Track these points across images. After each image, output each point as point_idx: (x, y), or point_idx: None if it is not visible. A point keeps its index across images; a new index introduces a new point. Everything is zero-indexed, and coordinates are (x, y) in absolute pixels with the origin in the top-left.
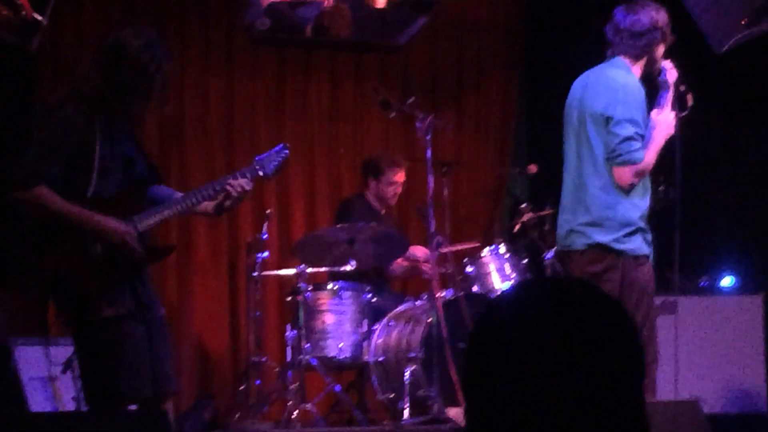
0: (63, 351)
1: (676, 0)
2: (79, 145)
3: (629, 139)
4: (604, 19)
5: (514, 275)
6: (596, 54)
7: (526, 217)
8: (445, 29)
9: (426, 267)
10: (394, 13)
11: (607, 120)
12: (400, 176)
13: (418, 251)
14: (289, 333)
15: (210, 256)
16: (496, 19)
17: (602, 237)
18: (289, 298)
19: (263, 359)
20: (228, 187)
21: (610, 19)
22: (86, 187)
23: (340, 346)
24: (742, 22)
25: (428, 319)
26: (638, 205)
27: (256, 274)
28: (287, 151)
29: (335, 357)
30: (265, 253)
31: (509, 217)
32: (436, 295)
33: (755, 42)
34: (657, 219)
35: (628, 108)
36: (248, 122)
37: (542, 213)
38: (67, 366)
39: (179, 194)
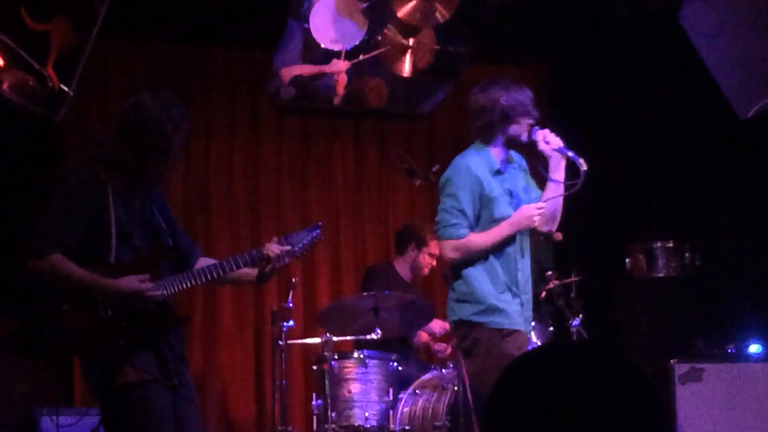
0: (89, 421)
1: (701, 65)
2: (93, 212)
3: (444, 211)
4: (629, 87)
5: (540, 343)
6: (621, 120)
7: (551, 285)
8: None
9: (438, 347)
10: (419, 81)
11: None
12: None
13: (436, 326)
14: (315, 402)
15: (235, 325)
16: None
17: (464, 312)
18: (314, 367)
19: (289, 429)
20: (266, 252)
21: None
22: (107, 254)
23: (366, 415)
24: None
25: (454, 387)
26: (496, 281)
27: (281, 343)
28: (319, 232)
29: (361, 426)
30: (291, 322)
31: (535, 285)
32: (462, 363)
33: None
34: (684, 286)
35: (452, 184)
36: (273, 190)
37: (568, 280)
38: None
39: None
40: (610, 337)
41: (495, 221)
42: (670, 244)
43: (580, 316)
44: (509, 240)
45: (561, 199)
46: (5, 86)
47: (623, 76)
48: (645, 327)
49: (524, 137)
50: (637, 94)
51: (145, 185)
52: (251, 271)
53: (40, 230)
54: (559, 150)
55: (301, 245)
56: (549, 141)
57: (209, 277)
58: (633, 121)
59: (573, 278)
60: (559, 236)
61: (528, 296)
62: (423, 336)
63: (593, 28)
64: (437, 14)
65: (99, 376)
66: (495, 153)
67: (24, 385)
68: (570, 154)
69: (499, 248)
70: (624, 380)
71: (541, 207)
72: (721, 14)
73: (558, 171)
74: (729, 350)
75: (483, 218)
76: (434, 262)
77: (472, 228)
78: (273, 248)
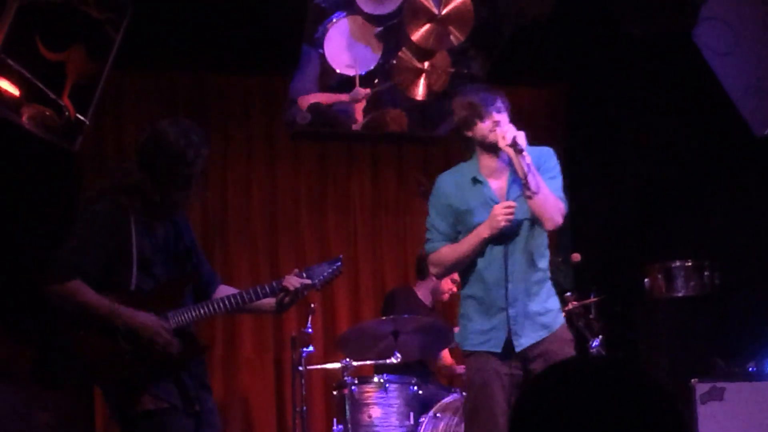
0: None
1: (716, 84)
2: (115, 239)
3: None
4: (644, 107)
5: None
6: (637, 140)
7: (570, 306)
8: None
9: (461, 370)
10: (434, 104)
11: None
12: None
13: (447, 357)
14: (336, 428)
15: (255, 350)
16: (537, 108)
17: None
18: (335, 392)
19: None
20: (285, 284)
21: None
22: (128, 281)
23: None
24: None
25: None
26: (469, 300)
27: (301, 368)
28: (340, 264)
29: None
30: (310, 348)
31: None
32: None
33: None
34: (703, 305)
35: (429, 203)
36: (291, 216)
37: (587, 301)
38: None
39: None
40: (630, 357)
41: (471, 231)
42: (689, 263)
43: (600, 336)
44: (489, 253)
45: (539, 195)
46: (23, 116)
47: (638, 96)
48: (665, 346)
49: (490, 138)
50: (652, 114)
51: (167, 212)
52: (270, 301)
53: (61, 256)
54: (511, 145)
55: (321, 278)
56: (505, 137)
57: (229, 306)
58: (649, 141)
59: (592, 299)
60: (577, 257)
61: (516, 309)
62: (446, 357)
63: (608, 48)
64: (451, 37)
65: (118, 403)
66: (483, 161)
67: (44, 414)
68: (520, 148)
69: (476, 262)
70: (644, 397)
71: (508, 206)
72: (735, 32)
73: (519, 168)
74: (750, 369)
75: (462, 230)
76: (455, 288)
77: (451, 241)
78: (293, 281)
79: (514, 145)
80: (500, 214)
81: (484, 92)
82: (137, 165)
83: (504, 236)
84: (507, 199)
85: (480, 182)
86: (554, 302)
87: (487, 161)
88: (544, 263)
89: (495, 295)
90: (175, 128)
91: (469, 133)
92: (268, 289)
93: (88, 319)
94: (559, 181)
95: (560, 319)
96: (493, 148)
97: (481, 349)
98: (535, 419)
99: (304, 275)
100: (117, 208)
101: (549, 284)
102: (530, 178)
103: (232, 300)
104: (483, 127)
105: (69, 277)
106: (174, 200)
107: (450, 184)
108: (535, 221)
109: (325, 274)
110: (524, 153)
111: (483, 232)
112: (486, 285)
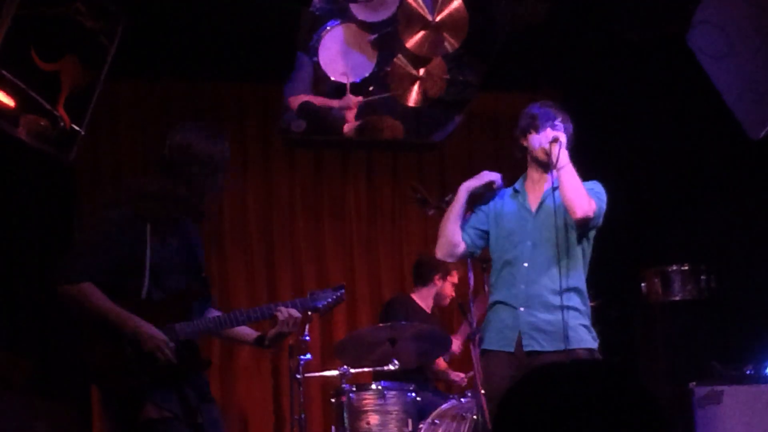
0: None
1: (711, 88)
2: (129, 247)
3: None
4: (640, 111)
5: None
6: (633, 144)
7: None
8: (481, 126)
9: (455, 376)
10: (430, 111)
11: None
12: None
13: (441, 362)
14: None
15: (253, 359)
16: None
17: None
18: (333, 400)
19: None
20: (277, 313)
21: None
22: (139, 290)
23: None
24: None
25: (473, 416)
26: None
27: (299, 376)
28: (343, 292)
29: None
30: (308, 355)
31: None
32: (481, 392)
33: None
34: (700, 308)
35: None
36: (286, 224)
37: None
38: None
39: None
40: (627, 362)
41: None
42: (686, 267)
43: (597, 341)
44: (514, 250)
45: (571, 180)
46: (18, 127)
47: (633, 101)
48: (663, 350)
49: (536, 148)
50: (647, 118)
51: (191, 220)
52: (250, 333)
53: (73, 257)
54: (551, 141)
55: (325, 302)
56: (540, 141)
57: (234, 321)
58: (645, 145)
59: (590, 304)
60: None
61: (533, 313)
62: (440, 363)
63: (602, 53)
64: (446, 44)
65: (120, 412)
66: (530, 172)
67: (41, 424)
68: (556, 137)
69: (502, 260)
70: (629, 401)
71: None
72: (729, 36)
73: (554, 156)
74: (747, 371)
75: (493, 233)
76: (454, 293)
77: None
78: (284, 311)
79: (554, 139)
80: (486, 174)
81: (549, 108)
82: (166, 174)
83: (526, 246)
84: (539, 210)
85: (518, 191)
86: (572, 320)
87: (533, 173)
88: (571, 281)
89: (513, 295)
90: (200, 134)
91: (524, 143)
92: (259, 312)
93: (96, 324)
94: (601, 199)
95: (584, 342)
96: (539, 160)
97: (493, 348)
98: (517, 421)
99: (309, 300)
100: (134, 217)
101: (574, 299)
102: (559, 157)
103: (239, 315)
104: (535, 138)
105: (80, 278)
106: (204, 204)
107: (504, 191)
108: (567, 240)
109: (329, 300)
110: (560, 141)
111: (467, 184)
112: (509, 283)
